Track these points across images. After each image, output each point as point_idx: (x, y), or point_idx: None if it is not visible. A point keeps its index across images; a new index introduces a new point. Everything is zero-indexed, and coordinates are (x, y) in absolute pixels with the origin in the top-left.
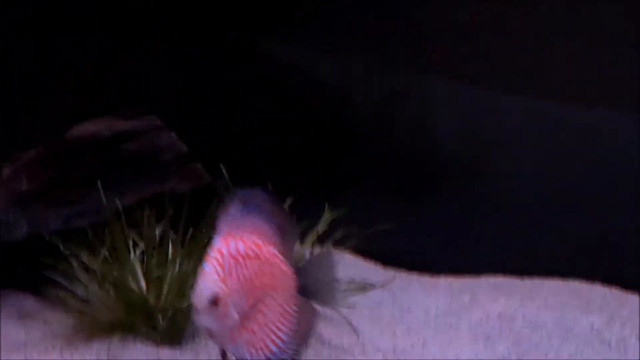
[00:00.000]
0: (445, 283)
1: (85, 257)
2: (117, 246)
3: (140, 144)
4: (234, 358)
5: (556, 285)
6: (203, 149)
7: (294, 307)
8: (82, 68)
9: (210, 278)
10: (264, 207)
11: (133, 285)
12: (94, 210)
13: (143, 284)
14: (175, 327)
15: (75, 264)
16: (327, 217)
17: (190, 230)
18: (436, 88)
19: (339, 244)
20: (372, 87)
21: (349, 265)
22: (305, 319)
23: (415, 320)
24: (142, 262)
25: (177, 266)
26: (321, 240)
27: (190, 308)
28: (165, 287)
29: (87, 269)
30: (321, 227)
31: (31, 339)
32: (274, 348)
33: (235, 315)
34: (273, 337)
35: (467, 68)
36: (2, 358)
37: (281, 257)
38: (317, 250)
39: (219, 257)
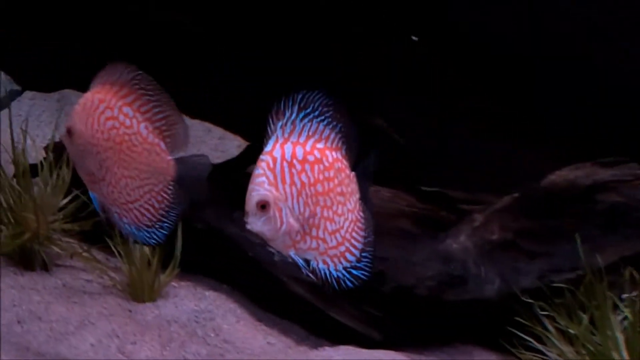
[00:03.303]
0: None
1: (561, 319)
2: (598, 309)
3: (620, 195)
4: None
5: None
6: None
7: (362, 214)
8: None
9: (258, 181)
10: (324, 111)
11: (615, 356)
12: (570, 266)
13: (625, 355)
14: None
15: (549, 326)
16: None
17: None
18: None
19: None
20: None
21: None
22: (369, 227)
23: None
24: (624, 329)
25: None
26: None
27: None
28: None
29: (561, 331)
30: None
31: None
32: (350, 257)
33: (292, 221)
34: (348, 245)
35: None
36: None
37: (346, 163)
38: None
39: (270, 161)
